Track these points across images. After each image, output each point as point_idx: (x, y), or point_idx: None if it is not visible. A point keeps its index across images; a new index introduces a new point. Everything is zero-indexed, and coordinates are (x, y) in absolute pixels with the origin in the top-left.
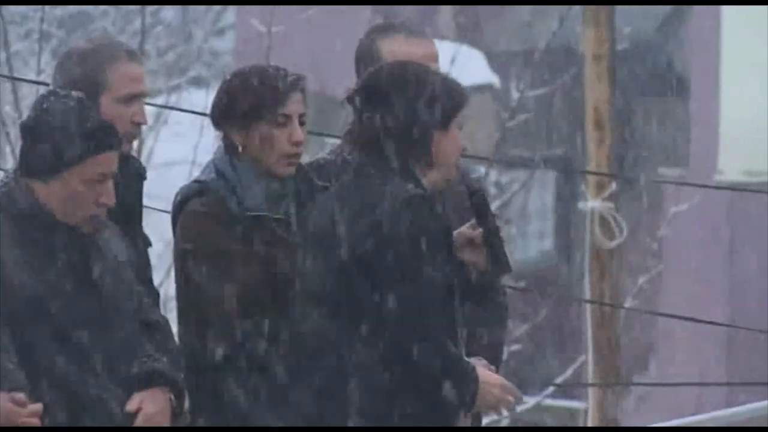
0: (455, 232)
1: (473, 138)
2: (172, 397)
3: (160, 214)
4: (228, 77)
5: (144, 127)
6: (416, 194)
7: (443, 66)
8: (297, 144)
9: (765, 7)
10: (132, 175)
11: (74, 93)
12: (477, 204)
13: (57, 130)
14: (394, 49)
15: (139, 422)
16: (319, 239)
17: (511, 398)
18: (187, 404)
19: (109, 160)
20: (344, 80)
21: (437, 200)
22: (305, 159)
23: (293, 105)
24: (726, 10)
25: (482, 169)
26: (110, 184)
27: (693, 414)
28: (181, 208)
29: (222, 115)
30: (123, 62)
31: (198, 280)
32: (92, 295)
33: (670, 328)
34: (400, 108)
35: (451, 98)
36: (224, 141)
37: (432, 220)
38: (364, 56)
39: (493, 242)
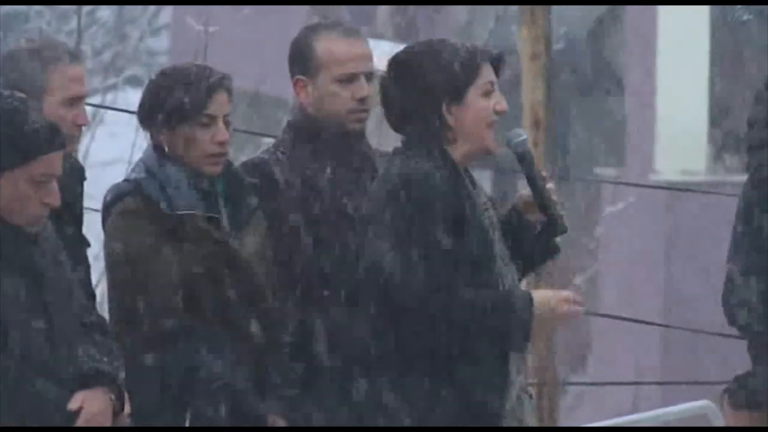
0: (516, 195)
1: None
2: (113, 396)
3: (96, 213)
4: (153, 78)
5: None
6: (410, 172)
7: (380, 65)
8: (221, 144)
9: (700, 6)
10: (72, 177)
11: (17, 93)
12: (524, 167)
13: (2, 130)
14: (329, 47)
15: (80, 422)
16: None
17: (572, 307)
18: (128, 408)
19: (54, 161)
20: (280, 80)
21: (448, 175)
22: (241, 158)
23: (217, 105)
24: (662, 9)
25: (524, 133)
26: (55, 184)
27: (630, 413)
28: (111, 207)
29: (147, 115)
30: (66, 64)
31: (129, 279)
32: (34, 295)
33: (607, 327)
34: (409, 88)
35: (461, 68)
36: (152, 141)
37: (426, 197)
38: (298, 55)
39: (544, 203)
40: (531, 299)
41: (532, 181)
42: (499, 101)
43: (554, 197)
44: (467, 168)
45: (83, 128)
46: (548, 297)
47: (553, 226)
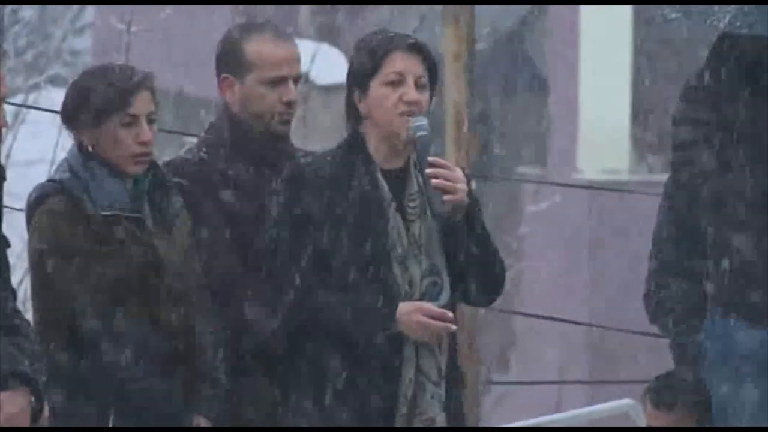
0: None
1: (334, 137)
2: (33, 398)
3: (20, 213)
4: (76, 77)
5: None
6: (295, 165)
7: (303, 65)
8: (144, 144)
9: (622, 6)
10: None
11: None
12: (416, 152)
13: None
14: (260, 49)
15: None
16: None
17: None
18: (47, 411)
19: None
20: (204, 79)
21: (344, 169)
22: (164, 158)
23: (140, 104)
24: (584, 9)
25: (423, 119)
26: None
27: (553, 412)
28: (35, 207)
29: (71, 115)
30: None
31: (53, 279)
32: None
33: (531, 327)
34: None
35: (364, 58)
36: (76, 140)
37: (304, 191)
38: (228, 53)
39: (426, 189)
40: (392, 318)
41: (421, 166)
42: (407, 91)
43: (441, 183)
44: (410, 156)
45: (4, 129)
46: (409, 316)
47: (432, 212)
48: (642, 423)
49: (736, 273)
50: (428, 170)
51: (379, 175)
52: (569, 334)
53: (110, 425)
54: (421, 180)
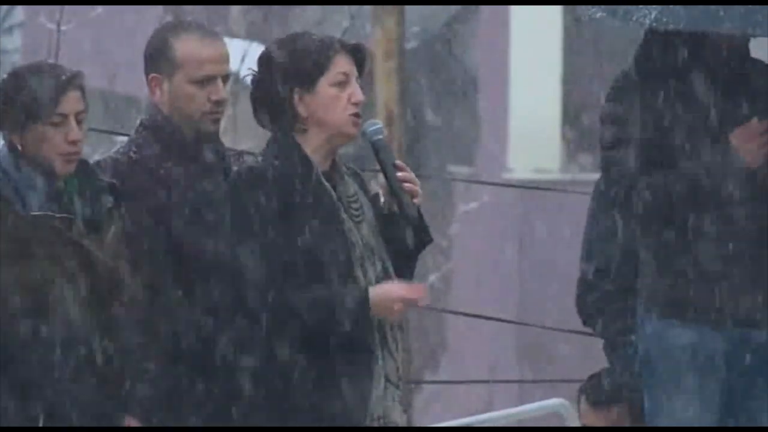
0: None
1: (264, 137)
2: None
3: None
4: (5, 77)
5: None
6: (243, 169)
7: (234, 64)
8: (74, 143)
9: (552, 6)
10: None
11: None
12: (377, 156)
13: None
14: (187, 48)
15: None
16: None
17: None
18: None
19: None
20: (134, 78)
21: (290, 170)
22: (95, 157)
23: (69, 104)
24: (514, 8)
25: (378, 123)
26: None
27: (484, 412)
28: None
29: (0, 115)
30: None
31: None
32: None
33: (461, 326)
34: (261, 76)
35: (312, 58)
36: (6, 140)
37: (253, 195)
38: (157, 54)
39: (394, 192)
40: (366, 299)
41: (385, 170)
42: (354, 92)
43: (411, 186)
44: (335, 159)
45: None
46: (386, 295)
47: (404, 215)
48: (573, 422)
49: (666, 272)
50: (399, 173)
51: (322, 178)
52: (500, 334)
53: (40, 425)
54: (353, 182)
